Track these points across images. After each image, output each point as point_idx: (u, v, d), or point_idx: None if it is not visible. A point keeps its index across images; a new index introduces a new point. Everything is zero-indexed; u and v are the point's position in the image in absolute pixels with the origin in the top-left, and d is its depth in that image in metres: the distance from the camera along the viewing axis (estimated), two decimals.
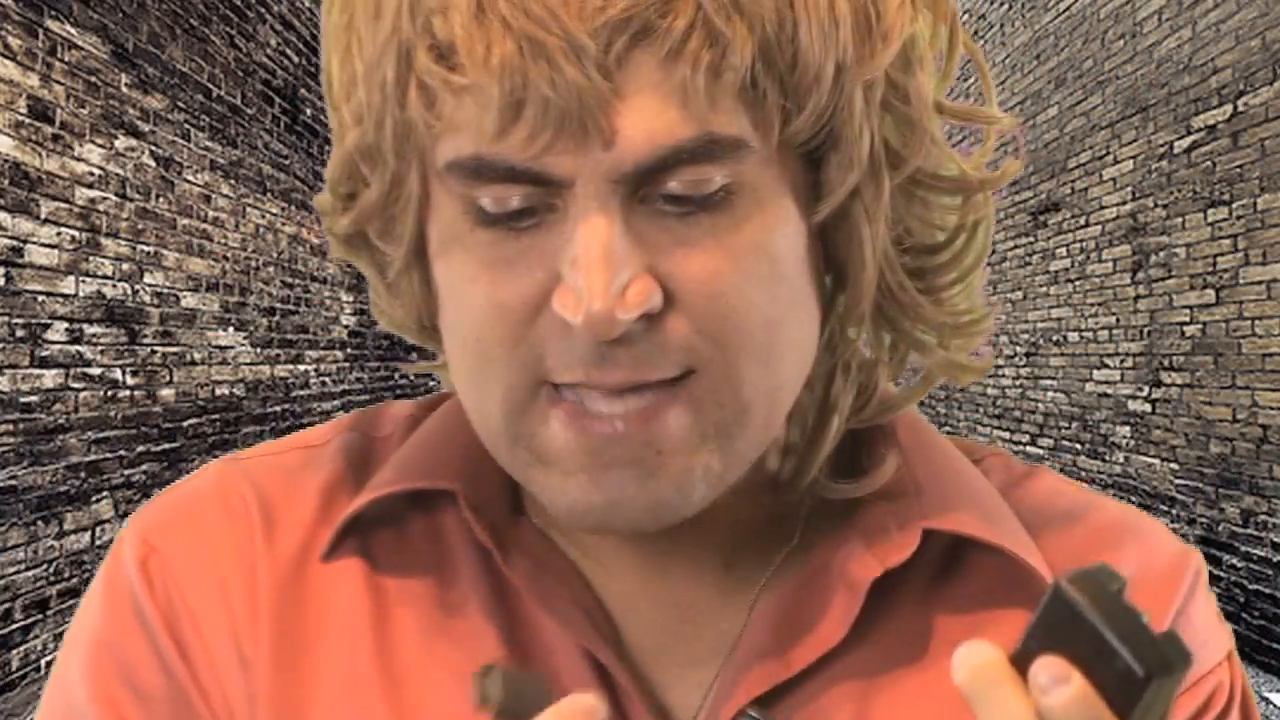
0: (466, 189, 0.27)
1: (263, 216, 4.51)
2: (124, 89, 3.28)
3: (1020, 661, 0.23)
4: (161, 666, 0.33)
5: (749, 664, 0.32)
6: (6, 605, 2.65)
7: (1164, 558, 0.37)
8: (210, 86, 3.96)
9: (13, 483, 2.69)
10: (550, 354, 0.28)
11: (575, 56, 0.24)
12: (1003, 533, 0.33)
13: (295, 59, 4.98)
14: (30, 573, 2.76)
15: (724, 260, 0.27)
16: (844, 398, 0.34)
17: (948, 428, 7.11)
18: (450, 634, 0.33)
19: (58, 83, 2.90)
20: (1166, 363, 4.26)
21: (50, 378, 2.86)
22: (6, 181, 2.67)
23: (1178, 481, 4.17)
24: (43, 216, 2.83)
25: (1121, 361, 4.64)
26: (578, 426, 0.28)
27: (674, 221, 0.27)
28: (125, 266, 3.28)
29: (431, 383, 8.07)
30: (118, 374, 3.23)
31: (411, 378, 7.41)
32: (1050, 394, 5.42)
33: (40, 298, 2.82)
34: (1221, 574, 3.86)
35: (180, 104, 3.69)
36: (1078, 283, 5.09)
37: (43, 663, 2.80)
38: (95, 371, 3.09)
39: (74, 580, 2.97)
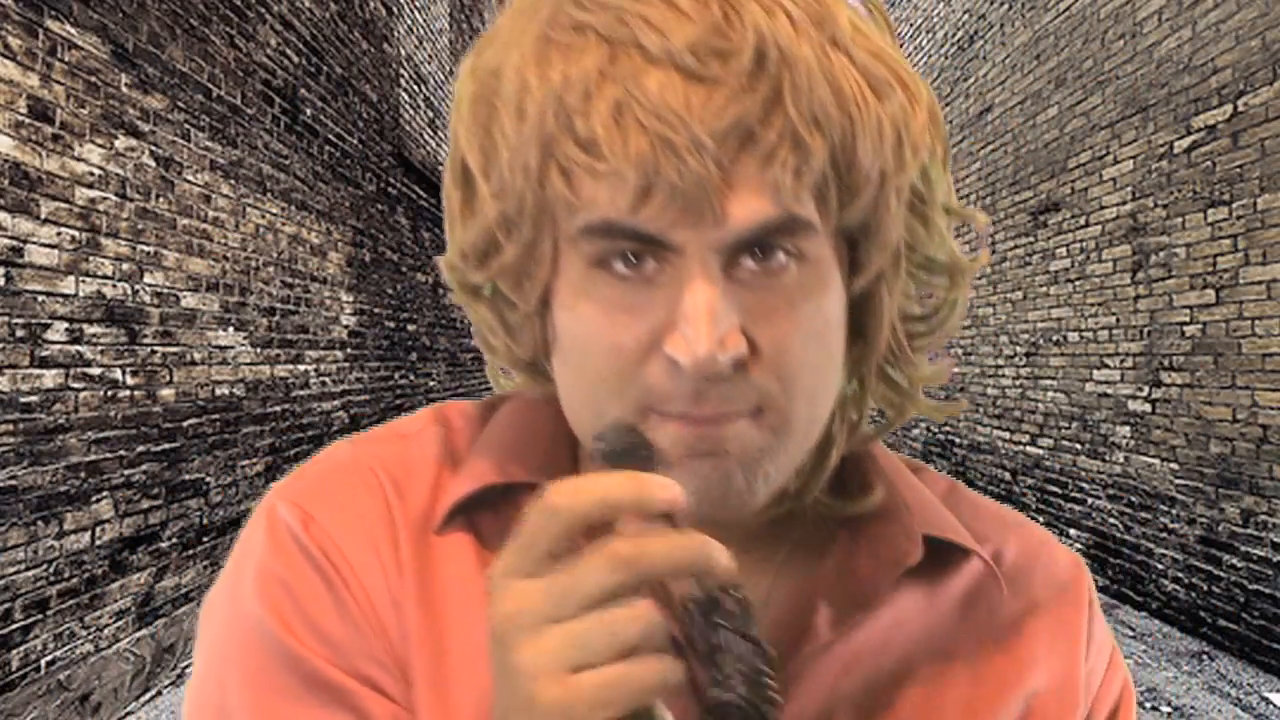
0: (596, 249, 0.35)
1: (263, 216, 4.51)
2: (124, 89, 3.28)
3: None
4: (340, 611, 0.39)
5: (783, 625, 0.42)
6: (6, 605, 2.65)
7: (1066, 564, 0.48)
8: (210, 86, 3.96)
9: (13, 483, 2.69)
10: (656, 389, 0.36)
11: (698, 153, 0.32)
12: (968, 537, 0.44)
13: (295, 59, 4.98)
14: (30, 573, 2.76)
15: (793, 324, 0.36)
16: (841, 431, 0.43)
17: (948, 428, 7.11)
18: None
19: (58, 83, 2.90)
20: (1166, 363, 4.26)
21: (50, 378, 2.86)
22: (6, 181, 2.67)
23: (1178, 481, 4.17)
24: (43, 216, 2.83)
25: (1121, 361, 4.64)
26: (677, 433, 0.36)
27: (758, 288, 0.35)
28: (125, 266, 3.28)
29: (431, 383, 8.07)
30: (118, 374, 3.23)
31: (411, 378, 7.41)
32: (1050, 394, 5.42)
33: (40, 298, 2.82)
34: (1221, 574, 3.86)
35: (180, 104, 3.69)
36: (1078, 283, 5.09)
37: (42, 662, 2.80)
38: (95, 371, 3.09)
39: (74, 580, 2.97)
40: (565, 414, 0.41)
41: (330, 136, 5.55)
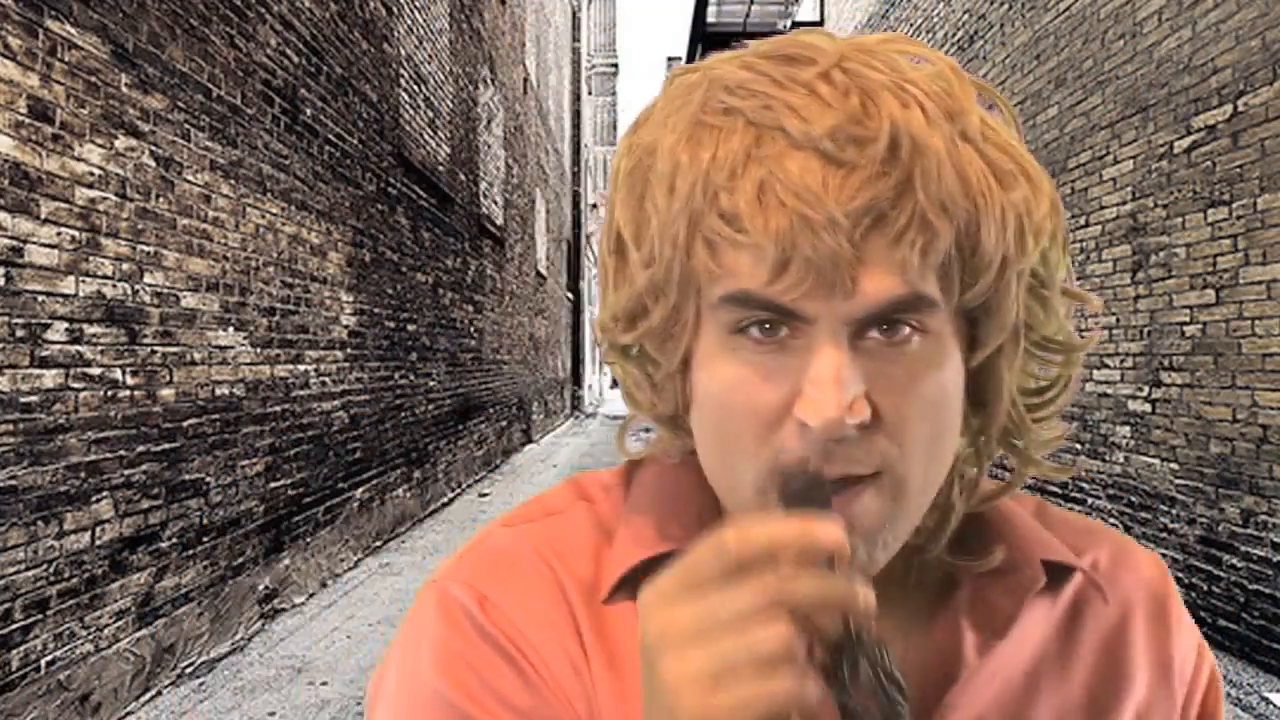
0: (735, 317, 0.39)
1: (263, 216, 4.51)
2: (124, 89, 3.28)
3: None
4: (525, 684, 0.42)
5: (932, 655, 0.46)
6: (6, 605, 2.65)
7: (1153, 565, 0.52)
8: (210, 86, 3.96)
9: (13, 483, 2.69)
10: (787, 449, 0.38)
11: (833, 231, 0.35)
12: (1070, 555, 0.48)
13: (295, 59, 4.98)
14: (30, 573, 2.76)
15: (914, 395, 0.38)
16: (959, 494, 0.47)
17: None
18: None
19: (58, 83, 2.90)
20: (1166, 363, 4.26)
21: (50, 378, 2.86)
22: (6, 181, 2.67)
23: (1178, 481, 4.17)
24: (43, 216, 2.83)
25: (1121, 361, 4.64)
26: None
27: (883, 359, 0.38)
28: (125, 266, 3.28)
29: (431, 383, 8.06)
30: (118, 374, 3.23)
31: (411, 378, 7.41)
32: None
33: (40, 298, 2.82)
34: (1221, 574, 3.85)
35: (180, 104, 3.69)
36: (1078, 283, 5.09)
37: (42, 663, 2.80)
38: (95, 371, 3.09)
39: (74, 580, 2.97)
40: (703, 469, 0.44)
41: (330, 136, 5.55)
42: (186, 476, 3.70)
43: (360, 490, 5.90)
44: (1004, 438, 0.46)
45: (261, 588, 4.36)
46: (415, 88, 7.77)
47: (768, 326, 0.38)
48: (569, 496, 0.50)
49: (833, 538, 0.31)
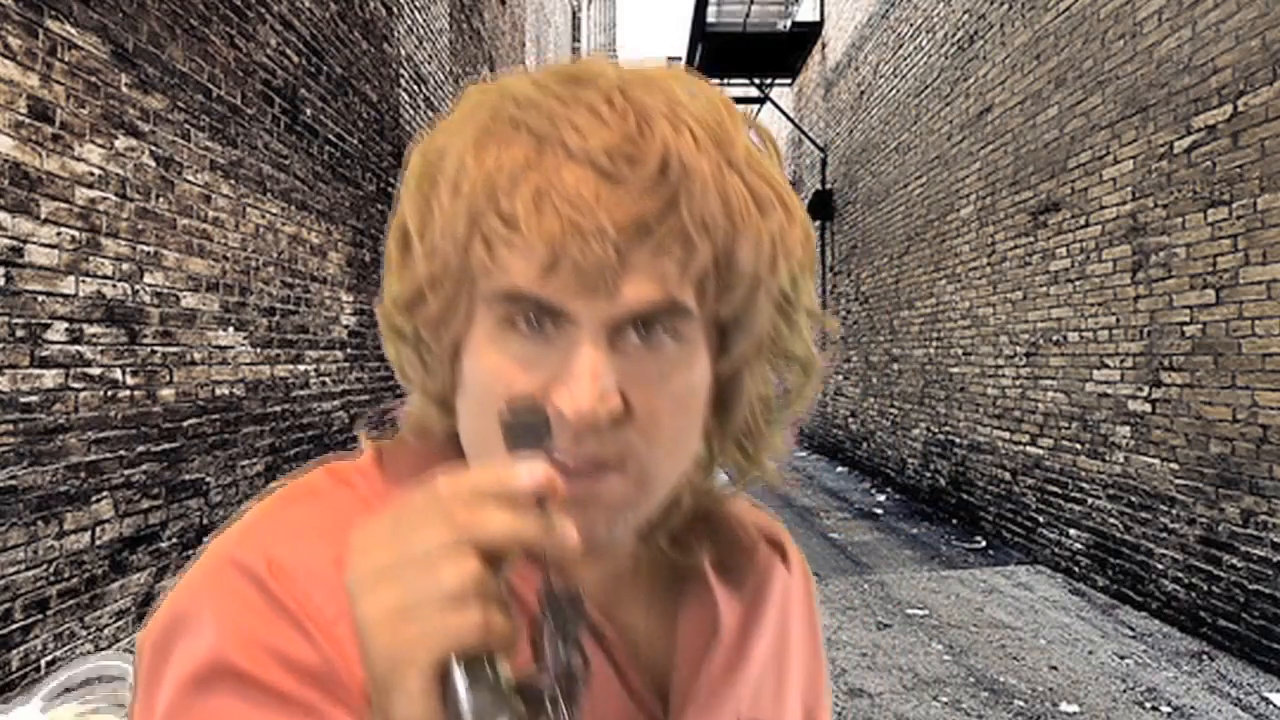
0: (505, 311, 0.41)
1: (263, 216, 4.50)
2: (124, 89, 3.28)
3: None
4: (313, 646, 0.41)
5: (693, 623, 0.53)
6: (6, 605, 2.65)
7: (798, 550, 0.64)
8: (210, 86, 3.96)
9: (13, 483, 2.69)
10: (515, 394, 0.40)
11: (601, 239, 0.38)
12: (780, 535, 0.62)
13: (295, 59, 4.98)
14: (30, 573, 2.76)
15: (664, 394, 0.42)
16: (687, 491, 0.51)
17: (948, 428, 7.11)
18: None
19: (58, 83, 2.90)
20: (1166, 363, 4.26)
21: (50, 378, 2.86)
22: (6, 181, 2.67)
23: (1178, 481, 4.17)
24: (43, 216, 2.83)
25: (1121, 361, 4.64)
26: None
27: (637, 359, 0.41)
28: (125, 266, 3.28)
29: None
30: (118, 374, 3.23)
31: None
32: (1050, 394, 5.42)
33: (40, 298, 2.82)
34: (1221, 574, 3.85)
35: (180, 104, 3.69)
36: (1078, 283, 5.09)
37: (43, 663, 2.80)
38: (95, 371, 3.09)
39: (74, 580, 2.97)
40: (464, 449, 0.47)
41: (330, 136, 5.55)
42: (186, 476, 3.70)
43: None
44: (738, 441, 0.50)
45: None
46: (415, 88, 7.77)
47: (535, 321, 0.41)
48: (327, 481, 0.49)
49: (533, 476, 0.32)
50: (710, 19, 11.95)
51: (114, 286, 3.21)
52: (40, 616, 2.80)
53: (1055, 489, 5.34)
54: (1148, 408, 4.41)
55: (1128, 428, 4.58)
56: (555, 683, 0.31)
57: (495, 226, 0.40)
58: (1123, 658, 3.83)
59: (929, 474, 7.52)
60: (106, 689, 1.12)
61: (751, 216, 0.42)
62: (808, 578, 0.63)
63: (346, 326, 5.79)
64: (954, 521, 6.83)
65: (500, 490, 0.32)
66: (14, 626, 2.68)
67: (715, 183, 0.41)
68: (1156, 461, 4.33)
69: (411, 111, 7.62)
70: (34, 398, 2.78)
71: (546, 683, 0.31)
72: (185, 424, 3.69)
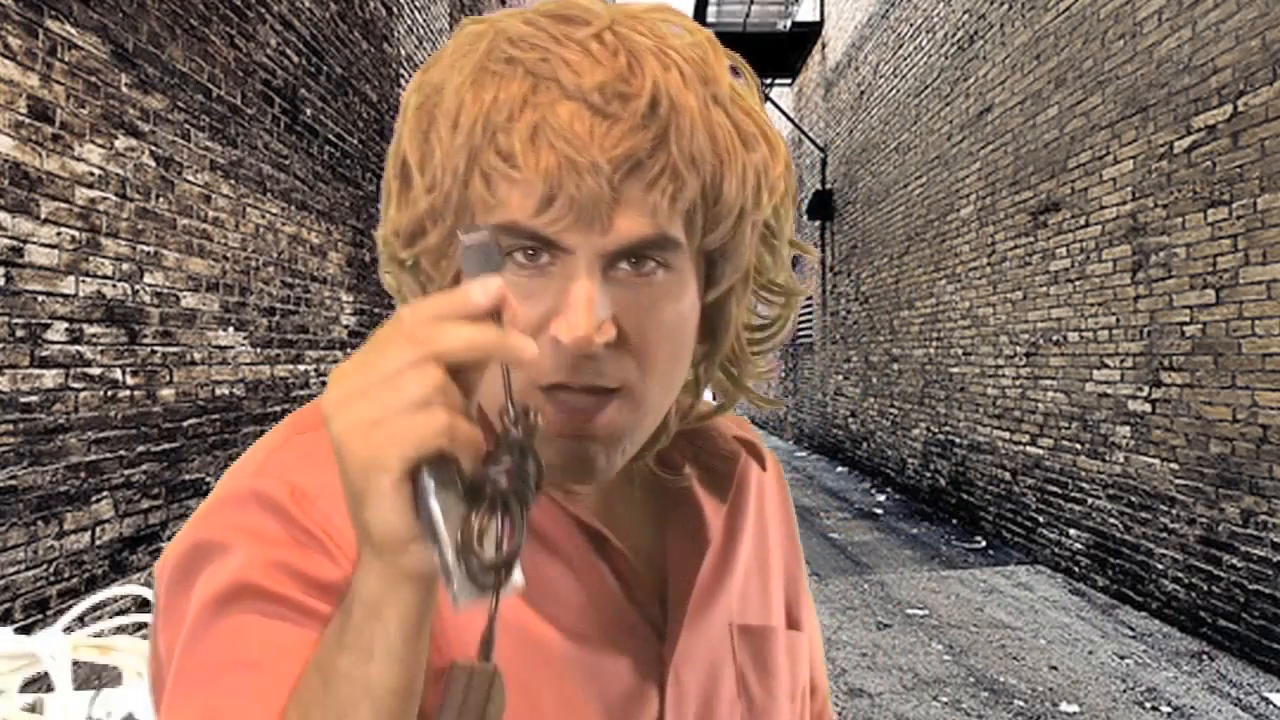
0: (503, 243, 0.42)
1: (263, 216, 4.50)
2: (124, 89, 3.28)
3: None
4: (333, 563, 0.43)
5: (685, 527, 0.56)
6: (6, 605, 2.65)
7: (771, 453, 0.67)
8: (210, 86, 3.96)
9: (13, 483, 2.69)
10: (541, 364, 0.41)
11: (595, 174, 0.40)
12: (753, 437, 0.65)
13: (295, 59, 4.98)
14: (30, 573, 2.76)
15: (656, 322, 0.44)
16: (675, 416, 0.55)
17: (948, 428, 7.11)
18: None
19: (58, 83, 2.90)
20: (1166, 363, 4.26)
21: (50, 378, 2.86)
22: (6, 181, 2.67)
23: (1178, 481, 4.17)
24: (43, 216, 2.83)
25: (1121, 361, 4.64)
26: (555, 416, 0.44)
27: (630, 288, 0.44)
28: (125, 266, 3.28)
29: None
30: (118, 374, 3.23)
31: None
32: (1050, 394, 5.42)
33: (40, 298, 2.82)
34: (1221, 574, 3.85)
35: (180, 104, 3.69)
36: (1078, 283, 5.09)
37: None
38: (95, 371, 3.09)
39: (74, 580, 2.97)
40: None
41: (330, 136, 5.55)
42: (186, 476, 3.70)
43: None
44: (724, 366, 0.54)
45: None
46: None
47: (531, 253, 0.43)
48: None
49: (487, 295, 0.33)
50: (710, 19, 11.95)
51: (114, 286, 3.21)
52: (40, 616, 2.80)
53: (1055, 489, 5.34)
54: (1148, 408, 4.41)
55: (1128, 428, 4.58)
56: (509, 482, 0.33)
57: (494, 162, 0.41)
58: (1123, 658, 3.83)
59: (929, 474, 7.52)
60: (124, 618, 1.15)
61: (737, 151, 0.44)
62: (781, 475, 0.67)
63: (346, 326, 5.79)
64: (954, 521, 6.83)
65: (459, 309, 0.33)
66: (14, 627, 2.67)
67: (702, 119, 0.42)
68: (1156, 461, 4.33)
69: None
70: (34, 398, 2.78)
71: (501, 482, 0.33)
72: (185, 424, 3.69)
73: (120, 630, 1.11)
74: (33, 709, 1.01)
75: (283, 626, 0.41)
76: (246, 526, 0.44)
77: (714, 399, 0.59)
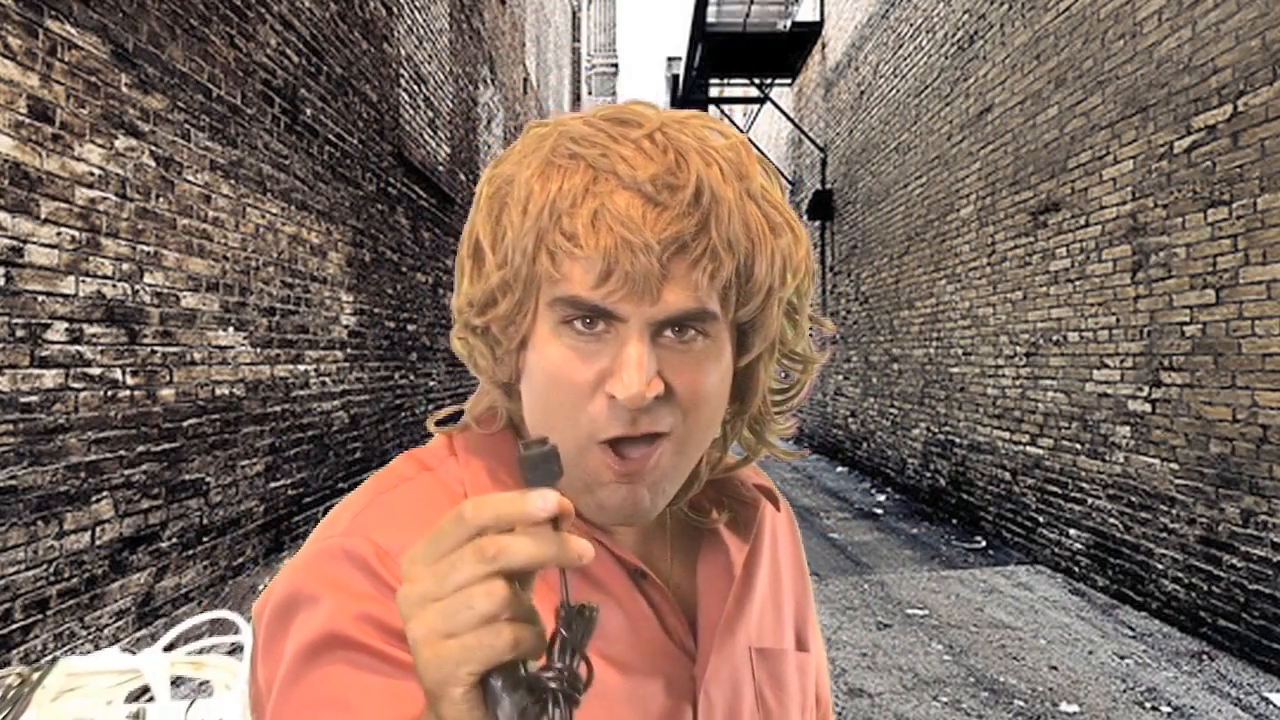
0: (565, 313, 0.50)
1: (263, 216, 4.50)
2: (124, 89, 3.28)
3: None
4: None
5: (712, 568, 0.63)
6: (6, 605, 2.65)
7: (782, 498, 0.73)
8: (210, 86, 3.96)
9: (13, 483, 2.69)
10: (598, 419, 0.50)
11: (647, 253, 0.47)
12: (769, 484, 0.71)
13: (295, 59, 4.98)
14: (30, 573, 2.76)
15: (697, 380, 0.51)
16: (705, 467, 0.62)
17: (948, 428, 7.10)
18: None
19: (58, 83, 2.90)
20: (1166, 363, 4.26)
21: (50, 378, 2.86)
22: (6, 181, 2.67)
23: (1178, 481, 4.17)
24: (43, 216, 2.82)
25: (1121, 361, 4.64)
26: (611, 462, 0.51)
27: (675, 353, 0.50)
28: (125, 266, 3.28)
29: (431, 383, 8.07)
30: (118, 374, 3.23)
31: (411, 378, 7.41)
32: (1050, 394, 5.42)
33: (40, 298, 2.81)
34: (1221, 574, 3.85)
35: (180, 104, 3.69)
36: (1078, 283, 5.09)
37: (42, 663, 2.79)
38: (95, 371, 3.09)
39: (74, 580, 2.97)
40: (526, 423, 0.56)
41: (330, 136, 5.55)
42: (186, 476, 3.70)
43: None
44: (751, 425, 0.61)
45: (261, 588, 4.36)
46: (415, 88, 7.77)
47: (589, 322, 0.50)
48: (413, 466, 0.59)
49: (546, 505, 0.36)
50: (710, 19, 11.94)
51: (114, 286, 3.21)
52: (40, 616, 2.80)
53: (1055, 489, 5.34)
54: (1148, 408, 4.41)
55: (1128, 428, 4.58)
56: (561, 681, 0.36)
57: (559, 242, 0.48)
58: (1123, 658, 3.83)
59: (929, 474, 7.52)
60: (220, 639, 1.37)
61: (766, 237, 0.51)
62: (791, 516, 0.76)
63: (346, 326, 5.78)
64: (954, 521, 6.83)
65: (519, 516, 0.36)
66: (14, 626, 2.67)
67: (738, 209, 0.50)
68: (1156, 461, 4.33)
69: (411, 111, 7.61)
70: (34, 398, 2.78)
71: (554, 681, 0.36)
72: (185, 424, 3.69)
73: (208, 650, 1.36)
74: (136, 717, 1.19)
75: (367, 676, 0.47)
76: (336, 580, 0.49)
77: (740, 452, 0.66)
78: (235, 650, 1.42)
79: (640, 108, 0.52)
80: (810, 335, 0.61)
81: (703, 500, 0.65)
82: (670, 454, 0.52)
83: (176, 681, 1.32)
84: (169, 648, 1.38)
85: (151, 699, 1.20)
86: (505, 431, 0.60)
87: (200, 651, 1.38)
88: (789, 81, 13.63)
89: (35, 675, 1.22)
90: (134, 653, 1.26)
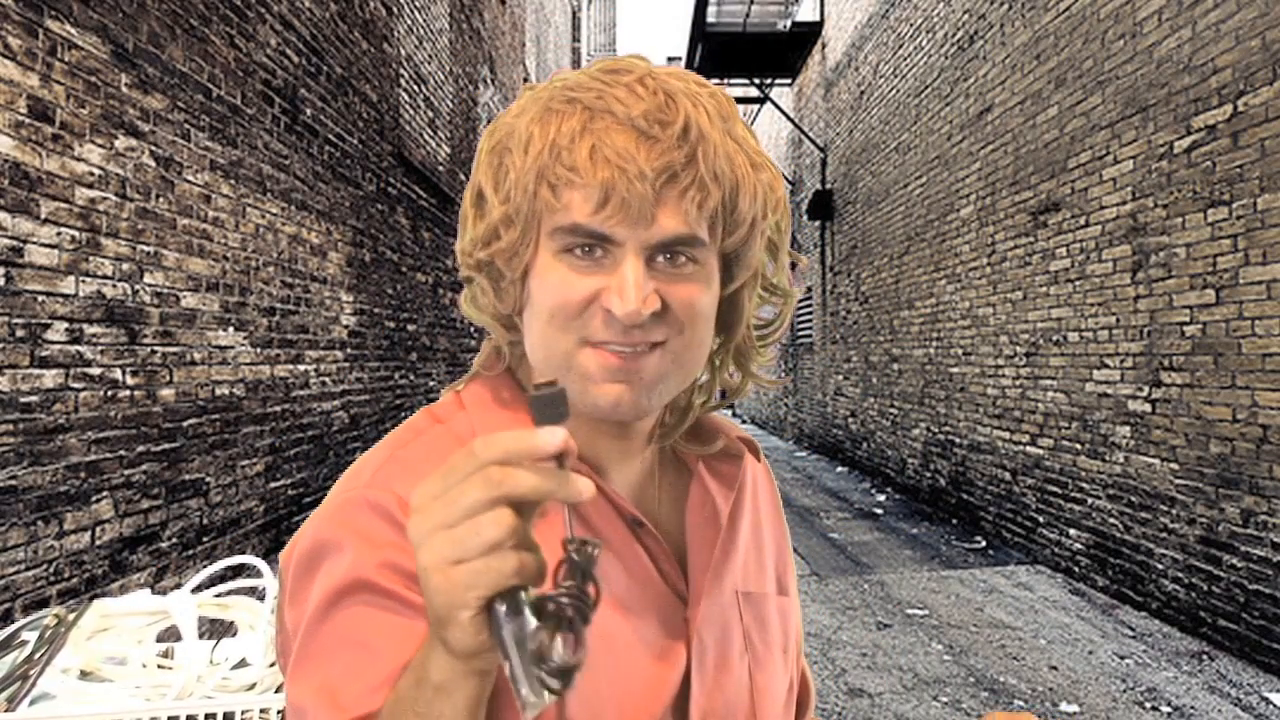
0: (565, 242, 0.54)
1: (263, 216, 4.50)
2: (124, 89, 3.28)
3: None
4: None
5: (699, 502, 0.68)
6: (7, 605, 2.65)
7: (758, 446, 0.78)
8: (210, 86, 3.96)
9: (13, 483, 2.69)
10: (593, 330, 0.54)
11: (641, 181, 0.51)
12: (748, 436, 0.76)
13: (295, 59, 4.97)
14: (30, 573, 2.76)
15: (689, 300, 0.55)
16: (697, 401, 0.67)
17: (948, 428, 7.11)
18: None
19: (58, 83, 2.90)
20: (1166, 363, 4.26)
21: (50, 378, 2.86)
22: (6, 181, 2.67)
23: (1178, 481, 4.17)
24: (43, 216, 2.82)
25: (1121, 361, 4.64)
26: (603, 360, 0.54)
27: (667, 276, 0.54)
28: (125, 266, 3.28)
29: (431, 383, 8.06)
30: (118, 374, 3.23)
31: (411, 378, 7.41)
32: (1050, 394, 5.42)
33: (40, 298, 2.81)
34: (1221, 574, 3.85)
35: (180, 104, 3.69)
36: (1078, 283, 5.09)
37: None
38: (95, 371, 3.09)
39: (74, 580, 2.97)
40: (527, 352, 0.59)
41: (330, 136, 5.55)
42: (186, 476, 3.70)
43: None
44: (736, 356, 0.65)
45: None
46: (415, 88, 7.76)
47: (587, 249, 0.53)
48: (426, 420, 0.62)
49: (553, 442, 0.38)
50: (710, 19, 11.93)
51: (114, 286, 3.21)
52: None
53: (1055, 489, 5.34)
54: (1148, 408, 4.41)
55: (1128, 428, 4.58)
56: (572, 603, 0.38)
57: (560, 173, 0.52)
58: (1123, 658, 3.83)
59: (929, 474, 7.52)
60: (244, 581, 1.49)
61: (749, 172, 0.55)
62: (768, 467, 0.80)
63: (346, 326, 5.78)
64: (954, 521, 6.83)
65: (527, 451, 0.38)
66: (14, 627, 2.67)
67: (722, 145, 0.54)
68: (1156, 461, 4.33)
69: (411, 111, 7.61)
70: (34, 398, 2.78)
71: (564, 603, 0.38)
72: (185, 424, 3.69)
73: (234, 592, 1.47)
74: (165, 655, 1.25)
75: (388, 616, 0.50)
76: (360, 529, 0.53)
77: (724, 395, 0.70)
78: (258, 594, 1.50)
79: (630, 59, 0.57)
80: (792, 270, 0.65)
81: (689, 454, 0.69)
82: (665, 360, 0.55)
83: (204, 623, 1.36)
84: (196, 590, 1.43)
85: (179, 638, 1.26)
86: (505, 375, 0.65)
87: (226, 594, 1.43)
88: (789, 81, 13.63)
89: (71, 616, 1.28)
90: (164, 594, 1.34)
